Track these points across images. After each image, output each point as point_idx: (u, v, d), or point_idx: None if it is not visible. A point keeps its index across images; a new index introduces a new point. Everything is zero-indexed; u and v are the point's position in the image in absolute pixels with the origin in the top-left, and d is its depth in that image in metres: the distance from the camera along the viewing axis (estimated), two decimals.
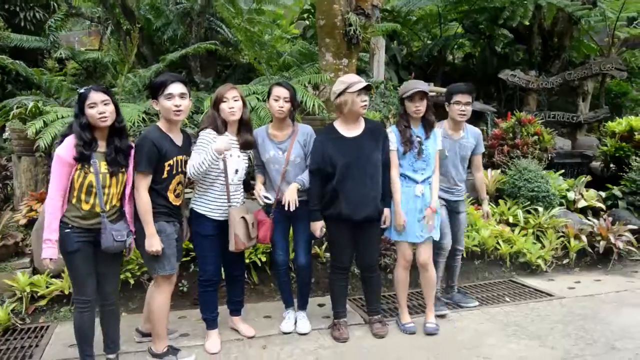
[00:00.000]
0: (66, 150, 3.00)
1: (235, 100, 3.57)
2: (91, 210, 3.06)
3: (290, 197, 3.71)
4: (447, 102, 4.23)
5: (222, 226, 3.58)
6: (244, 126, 3.70)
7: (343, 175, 3.68)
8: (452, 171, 4.26)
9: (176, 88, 3.28)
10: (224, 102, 3.55)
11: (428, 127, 3.94)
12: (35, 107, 5.40)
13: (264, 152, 3.84)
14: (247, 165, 3.74)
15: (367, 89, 3.68)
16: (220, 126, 3.56)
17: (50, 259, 3.01)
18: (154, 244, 3.23)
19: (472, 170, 4.58)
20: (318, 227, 3.79)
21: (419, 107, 3.84)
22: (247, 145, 3.70)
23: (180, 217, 3.52)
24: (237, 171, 3.62)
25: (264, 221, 3.76)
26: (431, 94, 4.42)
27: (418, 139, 3.88)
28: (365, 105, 3.73)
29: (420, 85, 3.85)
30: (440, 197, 4.09)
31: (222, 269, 3.82)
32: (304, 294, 4.08)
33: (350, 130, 3.79)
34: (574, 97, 9.92)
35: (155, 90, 3.32)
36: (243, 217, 3.57)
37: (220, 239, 3.59)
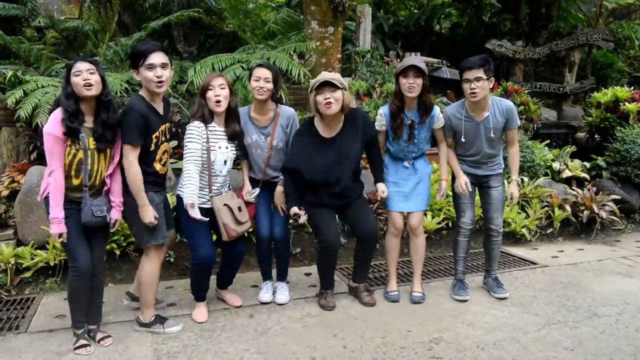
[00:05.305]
0: (53, 126, 2.98)
1: (222, 88, 3.48)
2: (80, 185, 3.08)
3: (279, 201, 3.81)
4: (461, 81, 3.80)
5: (209, 213, 3.54)
6: (231, 116, 3.62)
7: (324, 174, 3.65)
8: (481, 149, 3.90)
9: (157, 58, 3.20)
10: (210, 89, 3.47)
11: (424, 111, 3.77)
12: (15, 76, 5.29)
13: (246, 136, 3.78)
14: (235, 155, 3.70)
15: (328, 85, 3.53)
16: (207, 116, 3.50)
17: (60, 235, 3.03)
18: (147, 213, 3.20)
19: (506, 143, 4.10)
20: (295, 211, 3.68)
21: (413, 84, 3.65)
22: (234, 136, 3.63)
23: (165, 186, 3.51)
24: (225, 162, 3.59)
25: (247, 202, 3.79)
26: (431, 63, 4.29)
27: (410, 122, 3.78)
28: (329, 104, 3.54)
29: (416, 60, 3.69)
30: (466, 173, 3.94)
31: (220, 249, 3.84)
32: (283, 266, 4.08)
33: (329, 129, 3.72)
34: (561, 68, 9.90)
35: (135, 60, 3.24)
36: (226, 205, 3.55)
37: (209, 223, 3.56)
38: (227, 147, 3.59)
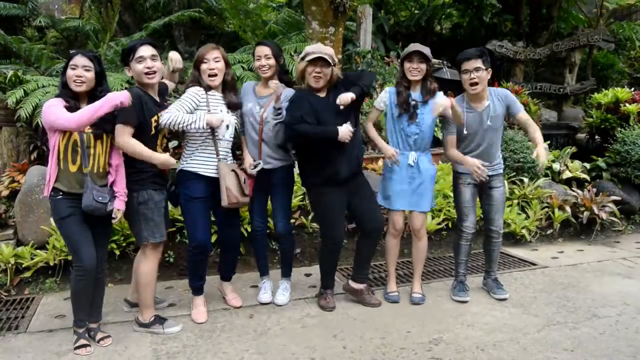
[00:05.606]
0: (55, 100, 3.02)
1: (217, 61, 3.47)
2: (79, 171, 3.05)
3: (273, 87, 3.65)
4: (459, 74, 3.88)
5: (214, 185, 3.50)
6: (228, 88, 3.60)
7: (323, 120, 3.59)
8: (482, 142, 3.86)
9: (146, 50, 3.26)
10: (204, 63, 3.47)
11: (426, 92, 3.82)
12: (15, 76, 5.29)
13: (245, 103, 3.76)
14: (236, 121, 3.66)
15: (321, 61, 3.54)
16: (205, 87, 3.49)
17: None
18: (165, 160, 3.26)
19: (522, 128, 3.97)
20: (345, 129, 3.53)
21: (417, 68, 3.75)
22: (232, 106, 3.62)
23: (166, 183, 3.50)
24: (227, 127, 3.54)
25: (248, 176, 3.71)
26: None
27: (413, 102, 3.80)
28: (318, 78, 3.59)
29: (421, 46, 3.76)
30: (465, 173, 3.88)
31: (217, 235, 3.80)
32: (287, 262, 4.07)
33: (319, 91, 3.72)
34: (561, 69, 9.90)
35: (126, 56, 3.30)
36: (234, 170, 3.51)
37: (211, 202, 3.54)
38: (227, 112, 3.56)
